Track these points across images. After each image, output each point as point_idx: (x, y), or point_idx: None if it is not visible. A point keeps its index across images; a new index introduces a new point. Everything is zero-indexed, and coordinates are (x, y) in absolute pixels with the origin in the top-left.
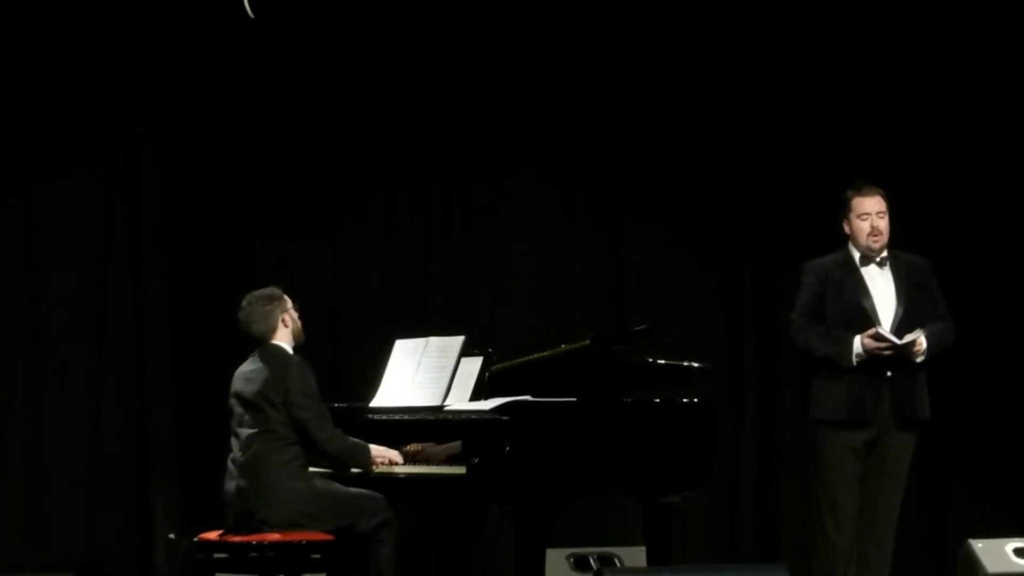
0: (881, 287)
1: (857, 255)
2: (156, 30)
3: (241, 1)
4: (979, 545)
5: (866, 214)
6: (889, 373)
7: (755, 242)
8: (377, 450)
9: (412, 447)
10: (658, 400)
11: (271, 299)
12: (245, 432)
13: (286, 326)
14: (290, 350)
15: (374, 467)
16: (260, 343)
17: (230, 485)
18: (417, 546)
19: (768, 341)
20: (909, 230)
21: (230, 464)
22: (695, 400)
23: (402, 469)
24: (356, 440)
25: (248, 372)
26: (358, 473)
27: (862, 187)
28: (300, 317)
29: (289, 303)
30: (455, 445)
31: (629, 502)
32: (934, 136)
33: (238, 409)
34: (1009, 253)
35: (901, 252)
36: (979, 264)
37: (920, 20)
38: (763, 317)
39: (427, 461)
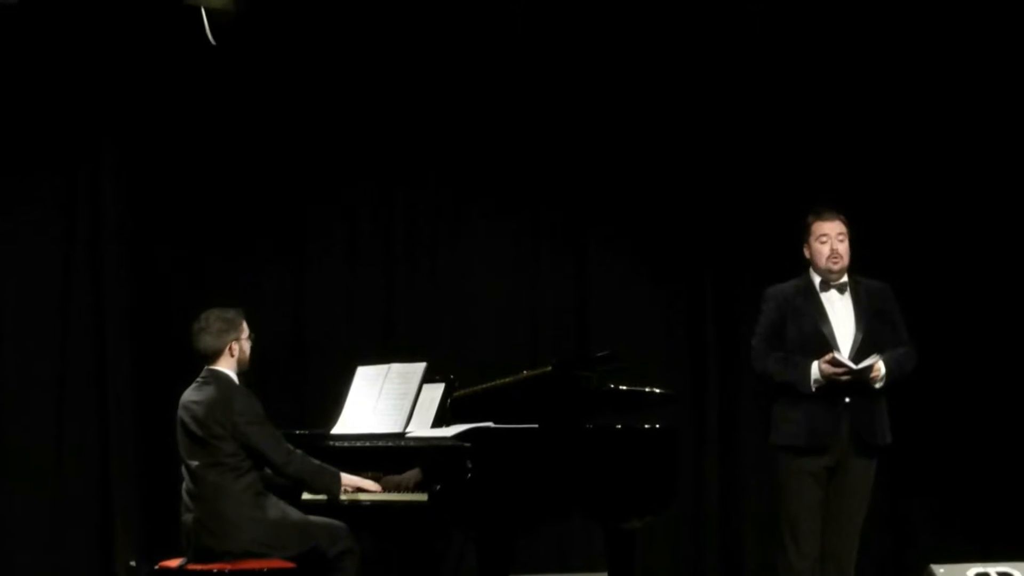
0: (841, 313)
1: (817, 280)
2: (121, 50)
3: (202, 27)
4: (940, 570)
5: (825, 236)
6: (848, 399)
7: (718, 267)
8: (349, 479)
9: (371, 477)
10: (620, 426)
11: (228, 323)
12: (195, 464)
13: (232, 355)
14: (234, 377)
15: (341, 495)
16: (204, 361)
17: (187, 517)
18: (379, 574)
19: (730, 366)
20: (871, 255)
21: (184, 495)
22: (657, 426)
23: (364, 496)
24: (323, 465)
25: (191, 402)
26: (321, 500)
27: (822, 212)
28: (259, 342)
29: (244, 331)
30: (414, 474)
31: (591, 528)
32: (900, 162)
33: (185, 440)
34: (973, 279)
35: (863, 277)
36: (943, 290)
37: (891, 45)
38: (726, 342)
39: (386, 488)
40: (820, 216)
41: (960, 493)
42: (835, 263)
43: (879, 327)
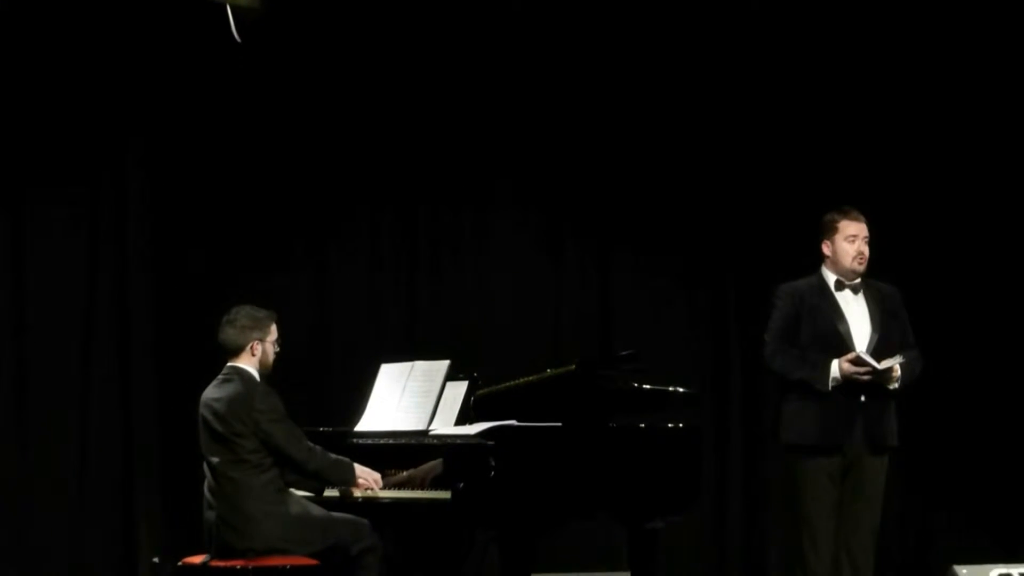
0: (856, 312)
1: (832, 279)
2: (145, 57)
3: (227, 24)
4: (963, 571)
5: (854, 236)
6: (863, 398)
7: (741, 267)
8: (361, 469)
9: (395, 475)
10: (643, 425)
11: (256, 321)
12: (216, 460)
13: (253, 355)
14: (256, 375)
15: (358, 483)
16: (225, 356)
17: (209, 515)
18: (402, 573)
19: (753, 366)
20: (881, 258)
21: (206, 492)
22: (680, 425)
23: (386, 494)
24: (338, 457)
25: (212, 399)
26: (342, 497)
27: (850, 211)
28: (284, 339)
29: (272, 334)
30: (436, 464)
31: (614, 527)
32: (908, 166)
33: (206, 436)
34: (985, 281)
35: (873, 280)
36: (957, 291)
37: (905, 48)
38: (748, 342)
39: (411, 486)
40: (848, 215)
41: (983, 494)
42: (860, 264)
43: (891, 329)
